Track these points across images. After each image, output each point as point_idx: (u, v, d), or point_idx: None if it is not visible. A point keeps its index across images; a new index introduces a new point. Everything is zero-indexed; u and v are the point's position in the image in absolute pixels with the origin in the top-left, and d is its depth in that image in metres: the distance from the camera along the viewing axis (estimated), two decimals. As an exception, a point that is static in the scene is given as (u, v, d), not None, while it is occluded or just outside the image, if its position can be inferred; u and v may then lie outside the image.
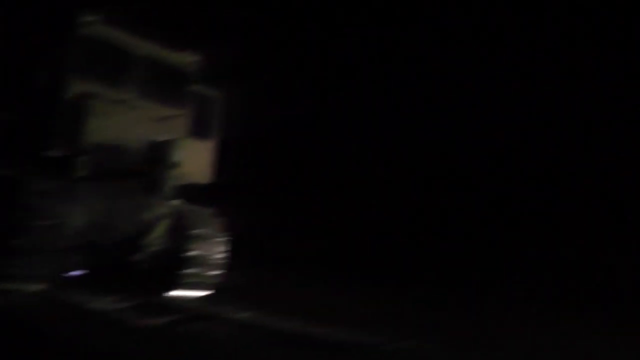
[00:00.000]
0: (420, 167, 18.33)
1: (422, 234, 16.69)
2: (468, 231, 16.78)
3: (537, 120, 17.97)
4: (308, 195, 17.37)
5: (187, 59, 10.26)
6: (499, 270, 15.09)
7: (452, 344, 8.62)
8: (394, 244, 16.13)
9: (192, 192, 10.29)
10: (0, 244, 8.03)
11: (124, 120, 9.38)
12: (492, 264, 15.51)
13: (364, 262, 15.04)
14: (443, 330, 9.69)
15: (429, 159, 18.33)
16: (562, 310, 12.46)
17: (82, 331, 7.38)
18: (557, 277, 14.65)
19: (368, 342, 8.28)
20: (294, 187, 17.75)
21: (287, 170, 17.96)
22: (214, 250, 9.84)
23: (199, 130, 10.48)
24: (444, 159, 18.43)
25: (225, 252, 10.11)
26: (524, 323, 11.19)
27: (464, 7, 18.46)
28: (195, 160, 10.20)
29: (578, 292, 13.66)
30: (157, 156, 9.40)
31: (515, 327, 10.70)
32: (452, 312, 11.74)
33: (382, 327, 9.00)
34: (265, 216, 13.27)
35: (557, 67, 17.70)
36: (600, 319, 11.75)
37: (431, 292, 13.23)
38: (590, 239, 15.69)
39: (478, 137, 18.18)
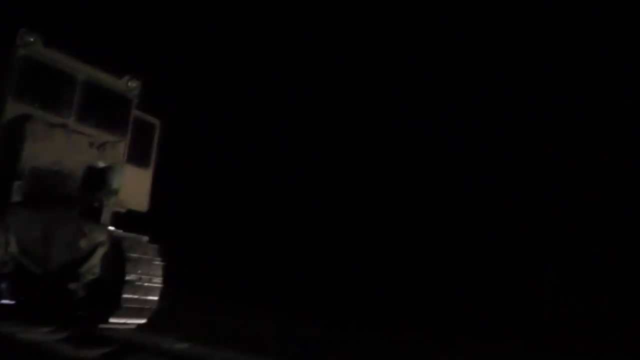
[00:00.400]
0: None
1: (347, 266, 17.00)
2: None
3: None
4: (244, 224, 17.40)
5: (127, 85, 10.19)
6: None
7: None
8: (330, 275, 16.38)
9: (128, 219, 10.18)
10: None
11: (62, 145, 9.19)
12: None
13: (301, 291, 15.23)
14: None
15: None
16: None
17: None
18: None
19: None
20: (230, 216, 17.74)
21: (224, 198, 17.94)
22: (151, 276, 9.71)
23: (137, 157, 10.39)
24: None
25: (162, 279, 10.00)
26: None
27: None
28: (134, 187, 10.11)
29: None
30: (96, 182, 9.25)
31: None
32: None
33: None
34: (200, 244, 13.24)
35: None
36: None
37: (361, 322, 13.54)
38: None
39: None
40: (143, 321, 9.79)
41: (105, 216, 9.48)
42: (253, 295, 15.00)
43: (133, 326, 9.71)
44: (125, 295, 9.47)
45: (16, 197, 8.72)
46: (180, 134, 15.73)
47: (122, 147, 9.99)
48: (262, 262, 16.48)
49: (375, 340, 12.02)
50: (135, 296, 9.59)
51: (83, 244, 9.28)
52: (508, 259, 16.77)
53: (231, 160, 18.69)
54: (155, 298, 9.88)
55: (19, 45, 8.91)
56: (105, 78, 9.95)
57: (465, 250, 17.19)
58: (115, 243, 9.65)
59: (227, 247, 17.11)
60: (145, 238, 10.08)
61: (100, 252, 9.44)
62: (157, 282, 9.89)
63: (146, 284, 9.72)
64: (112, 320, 9.46)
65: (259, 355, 9.15)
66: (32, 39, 9.04)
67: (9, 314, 9.02)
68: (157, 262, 9.93)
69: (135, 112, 10.36)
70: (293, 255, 16.92)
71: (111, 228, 9.70)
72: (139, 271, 9.64)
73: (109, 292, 9.48)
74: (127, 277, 9.50)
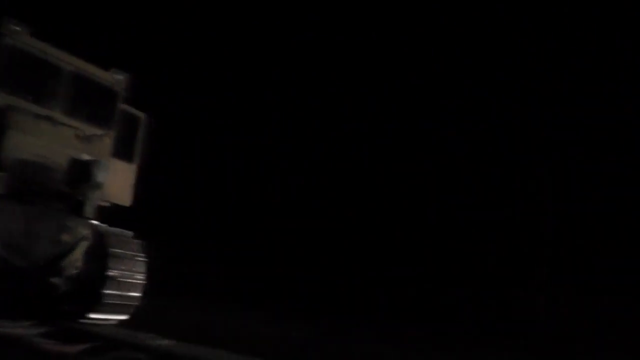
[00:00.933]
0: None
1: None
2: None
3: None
4: (240, 222, 17.34)
5: (115, 78, 10.07)
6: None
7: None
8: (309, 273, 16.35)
9: (113, 214, 10.06)
10: None
11: (47, 138, 9.06)
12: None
13: (299, 292, 15.23)
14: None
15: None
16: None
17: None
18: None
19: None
20: (226, 214, 17.65)
21: (220, 196, 17.83)
22: (134, 272, 9.61)
23: (122, 151, 10.28)
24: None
25: (145, 275, 9.91)
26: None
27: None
28: (118, 182, 10.00)
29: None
30: (81, 176, 9.13)
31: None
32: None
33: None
34: (196, 244, 13.15)
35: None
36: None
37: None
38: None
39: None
40: (125, 317, 9.69)
41: (89, 210, 9.35)
42: (250, 296, 14.91)
43: (115, 322, 9.60)
44: (107, 291, 9.37)
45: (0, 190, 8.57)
46: (171, 129, 15.62)
47: (107, 141, 9.87)
48: (259, 261, 16.38)
49: (373, 342, 12.01)
50: (117, 292, 9.49)
51: (66, 237, 9.16)
52: (506, 260, 16.86)
53: (227, 158, 18.53)
54: (138, 294, 9.78)
55: (5, 34, 8.76)
56: (92, 70, 9.82)
57: (463, 250, 17.22)
58: (99, 238, 9.54)
59: (222, 246, 16.97)
60: (130, 233, 9.98)
61: (83, 246, 9.33)
62: (140, 278, 9.80)
63: (128, 280, 9.62)
64: (93, 315, 9.35)
65: (246, 355, 9.10)
66: (18, 28, 8.90)
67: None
68: (140, 259, 9.84)
69: (121, 106, 10.23)
70: (291, 255, 16.83)
71: (95, 222, 9.58)
72: (122, 267, 9.54)
73: (91, 287, 9.36)
74: (110, 273, 9.39)
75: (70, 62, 9.52)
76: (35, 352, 7.66)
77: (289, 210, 18.53)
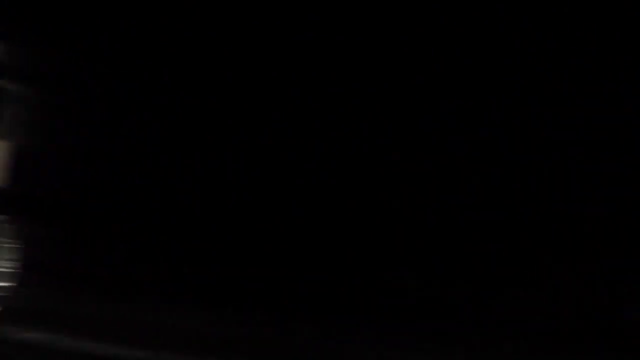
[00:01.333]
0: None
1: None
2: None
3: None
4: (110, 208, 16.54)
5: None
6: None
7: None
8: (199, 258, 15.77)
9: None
10: None
11: None
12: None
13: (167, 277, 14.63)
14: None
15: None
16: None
17: None
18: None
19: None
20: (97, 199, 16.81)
21: (90, 180, 16.94)
22: (3, 260, 8.95)
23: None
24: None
25: (16, 263, 9.25)
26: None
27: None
28: None
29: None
30: None
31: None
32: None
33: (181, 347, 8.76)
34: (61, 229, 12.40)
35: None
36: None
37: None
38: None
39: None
40: None
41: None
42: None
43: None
44: None
45: None
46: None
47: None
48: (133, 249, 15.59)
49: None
50: None
51: None
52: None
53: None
54: (5, 284, 9.11)
55: None
56: None
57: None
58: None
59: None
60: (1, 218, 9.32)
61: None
62: (8, 267, 9.14)
63: None
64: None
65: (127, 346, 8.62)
66: None
67: None
68: (9, 245, 9.18)
69: None
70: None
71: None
72: None
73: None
74: None
75: None
76: None
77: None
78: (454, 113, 15.93)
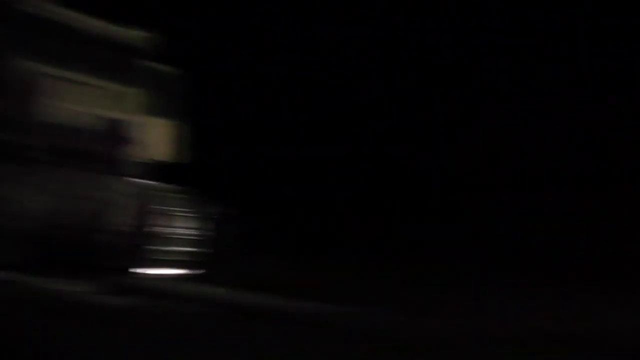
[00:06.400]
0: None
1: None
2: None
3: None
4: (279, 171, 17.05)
5: (140, 36, 9.97)
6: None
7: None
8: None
9: (154, 170, 10.04)
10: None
11: (77, 100, 9.08)
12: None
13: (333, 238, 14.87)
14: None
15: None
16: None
17: (45, 314, 7.12)
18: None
19: (338, 315, 8.06)
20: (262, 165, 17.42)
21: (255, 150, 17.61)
22: (179, 226, 9.55)
23: (159, 109, 10.21)
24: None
25: (192, 228, 9.83)
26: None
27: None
28: (156, 138, 9.94)
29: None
30: (115, 134, 9.12)
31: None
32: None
33: (353, 302, 8.79)
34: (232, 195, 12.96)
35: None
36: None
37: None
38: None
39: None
40: (174, 271, 9.67)
41: (126, 167, 9.38)
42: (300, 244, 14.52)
43: (163, 276, 9.60)
44: (154, 248, 9.37)
45: (33, 155, 8.67)
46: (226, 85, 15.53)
47: (137, 98, 9.78)
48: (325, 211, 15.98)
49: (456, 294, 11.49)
50: (163, 248, 9.48)
51: (105, 195, 9.20)
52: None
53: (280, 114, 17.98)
54: (184, 249, 9.72)
55: (21, 2, 8.79)
56: (116, 30, 9.75)
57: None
58: (142, 194, 9.53)
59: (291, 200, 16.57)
60: (173, 188, 9.94)
61: (126, 203, 9.34)
62: (185, 233, 9.72)
63: (173, 236, 9.57)
64: (140, 271, 9.37)
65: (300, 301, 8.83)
66: None
67: (39, 268, 9.03)
68: (184, 214, 9.77)
69: (152, 64, 10.12)
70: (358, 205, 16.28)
71: (135, 179, 9.59)
72: (168, 223, 9.50)
73: (137, 243, 9.39)
74: (156, 230, 9.37)
75: (91, 24, 9.47)
76: (85, 307, 7.68)
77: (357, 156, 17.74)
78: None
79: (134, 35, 9.91)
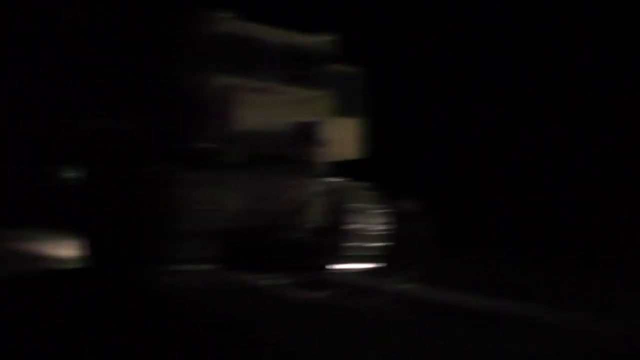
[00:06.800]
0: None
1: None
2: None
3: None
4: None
5: (322, 41, 10.34)
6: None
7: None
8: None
9: (344, 168, 10.38)
10: (165, 230, 8.64)
11: (268, 107, 9.64)
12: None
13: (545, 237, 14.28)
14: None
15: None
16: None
17: (247, 306, 7.73)
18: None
19: (528, 314, 7.79)
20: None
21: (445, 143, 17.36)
22: (372, 223, 9.81)
23: (344, 108, 10.52)
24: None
25: (384, 224, 10.03)
26: None
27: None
28: (344, 137, 10.27)
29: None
30: (306, 137, 9.57)
31: None
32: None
33: (549, 301, 8.44)
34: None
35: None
36: None
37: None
38: None
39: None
40: (365, 267, 9.95)
41: (318, 167, 9.81)
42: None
43: (356, 271, 9.91)
44: (346, 244, 9.72)
45: (234, 160, 9.38)
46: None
47: (325, 101, 10.17)
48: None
49: None
50: (357, 244, 9.79)
51: (301, 195, 9.72)
52: None
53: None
54: (378, 245, 9.95)
55: (215, 22, 9.51)
56: (300, 38, 10.19)
57: None
58: (334, 192, 9.91)
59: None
60: (364, 185, 10.22)
61: (318, 202, 9.79)
62: (378, 229, 9.95)
63: (367, 232, 9.84)
64: (334, 267, 9.78)
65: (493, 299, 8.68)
66: (226, 15, 9.58)
67: (239, 264, 9.78)
68: (377, 210, 9.99)
69: (334, 66, 10.46)
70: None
71: (328, 178, 10.00)
72: (360, 220, 9.79)
73: (330, 239, 9.80)
74: (349, 227, 9.70)
75: (277, 35, 9.98)
76: (286, 299, 8.22)
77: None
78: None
79: (316, 40, 10.29)
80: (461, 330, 7.10)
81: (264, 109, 9.58)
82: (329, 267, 9.88)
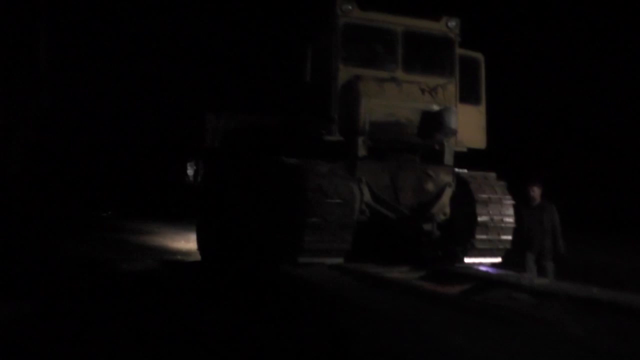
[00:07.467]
0: None
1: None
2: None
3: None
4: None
5: (447, 26, 10.04)
6: None
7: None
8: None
9: (471, 158, 10.09)
10: (299, 224, 8.64)
11: (394, 97, 9.48)
12: None
13: None
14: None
15: None
16: None
17: (382, 298, 7.62)
18: None
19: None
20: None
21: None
22: (503, 214, 9.48)
23: (468, 95, 10.23)
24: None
25: (511, 216, 9.67)
26: None
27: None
28: (470, 126, 9.99)
29: None
30: (433, 126, 9.36)
31: None
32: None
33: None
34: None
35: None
36: None
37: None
38: None
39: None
40: (497, 260, 9.65)
41: (448, 157, 9.64)
42: None
43: (485, 265, 9.63)
44: (477, 237, 9.49)
45: (362, 152, 9.29)
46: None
47: (452, 88, 9.91)
48: None
49: None
50: (488, 237, 9.53)
51: (430, 186, 9.52)
52: None
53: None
54: (509, 237, 9.65)
55: (339, 15, 9.41)
56: (423, 24, 9.95)
57: None
58: (462, 183, 9.66)
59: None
60: (492, 175, 9.91)
61: (448, 193, 9.59)
62: (509, 221, 9.62)
63: (498, 224, 9.54)
64: (466, 260, 9.54)
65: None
66: (349, 6, 9.47)
67: (369, 258, 9.69)
68: (507, 201, 9.67)
69: (460, 51, 10.16)
70: None
71: (456, 169, 9.75)
72: (490, 211, 9.51)
73: (461, 232, 9.56)
74: (479, 219, 9.46)
75: (401, 23, 9.78)
76: (418, 293, 8.04)
77: None
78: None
79: (440, 25, 10.01)
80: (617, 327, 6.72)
81: (390, 99, 9.42)
82: (459, 261, 9.62)
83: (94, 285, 9.69)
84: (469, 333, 5.94)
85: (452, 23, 10.02)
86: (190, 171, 12.57)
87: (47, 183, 20.01)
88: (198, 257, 12.45)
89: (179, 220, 15.78)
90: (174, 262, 12.73)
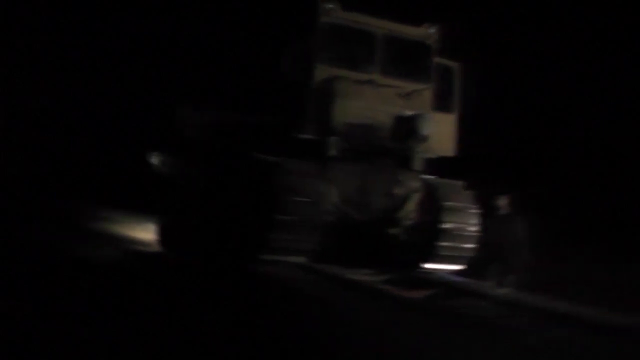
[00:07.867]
0: None
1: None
2: None
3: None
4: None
5: (425, 33, 10.10)
6: None
7: None
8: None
9: (440, 165, 10.16)
10: (266, 221, 8.60)
11: (370, 99, 9.50)
12: None
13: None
14: None
15: None
16: None
17: (344, 299, 7.63)
18: None
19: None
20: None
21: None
22: (468, 222, 9.56)
23: (441, 103, 10.29)
24: None
25: (477, 225, 9.76)
26: None
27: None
28: (441, 133, 10.04)
29: None
30: (406, 131, 9.40)
31: None
32: None
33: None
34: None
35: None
36: None
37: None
38: None
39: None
40: (458, 268, 9.73)
41: (417, 163, 9.66)
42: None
43: (448, 271, 9.70)
44: (441, 243, 9.53)
45: (333, 152, 9.28)
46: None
47: (427, 95, 9.96)
48: None
49: None
50: (452, 244, 9.59)
51: (398, 191, 9.58)
52: None
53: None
54: (472, 246, 9.72)
55: (321, 14, 9.39)
56: (404, 29, 10.00)
57: None
58: (430, 190, 9.71)
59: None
60: (460, 184, 9.98)
61: (415, 198, 9.63)
62: (473, 230, 9.71)
63: (462, 232, 9.61)
64: (428, 266, 9.60)
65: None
66: (331, 6, 9.46)
67: (335, 258, 9.66)
68: (472, 210, 9.75)
69: (437, 59, 10.23)
70: None
71: (424, 175, 9.80)
72: (455, 219, 9.57)
73: (425, 238, 9.61)
74: (443, 226, 9.50)
75: (382, 26, 9.81)
76: (382, 296, 8.07)
77: None
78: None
79: (420, 31, 10.06)
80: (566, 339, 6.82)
81: (367, 101, 9.44)
82: (422, 265, 9.68)
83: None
84: (434, 338, 5.98)
85: (432, 30, 10.08)
86: (155, 161, 12.27)
87: (47, 183, 19.36)
88: (157, 249, 12.22)
89: (137, 208, 15.41)
90: (135, 252, 12.48)
